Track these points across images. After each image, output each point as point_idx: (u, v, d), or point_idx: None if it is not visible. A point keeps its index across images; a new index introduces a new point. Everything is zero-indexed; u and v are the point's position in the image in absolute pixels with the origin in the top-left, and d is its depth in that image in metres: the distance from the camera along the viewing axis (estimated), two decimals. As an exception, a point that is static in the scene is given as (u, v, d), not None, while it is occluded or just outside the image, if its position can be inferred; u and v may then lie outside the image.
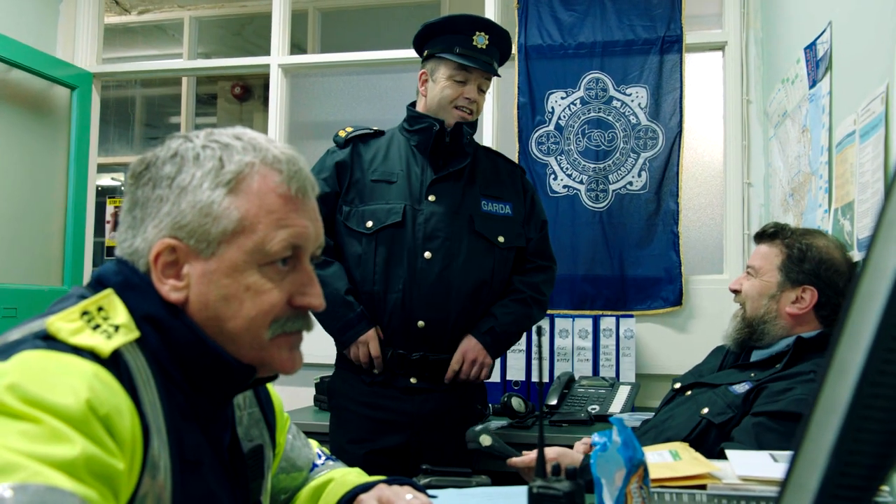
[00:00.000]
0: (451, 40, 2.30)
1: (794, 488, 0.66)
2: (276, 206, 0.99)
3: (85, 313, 0.92)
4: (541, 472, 1.04)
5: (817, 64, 2.23)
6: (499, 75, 2.37)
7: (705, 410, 1.85)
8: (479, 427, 1.64)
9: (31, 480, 0.73)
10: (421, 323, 2.22)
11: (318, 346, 3.50)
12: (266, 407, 1.20)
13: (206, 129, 1.04)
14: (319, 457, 1.36)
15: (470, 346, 2.26)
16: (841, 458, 0.63)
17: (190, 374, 0.98)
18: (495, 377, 3.07)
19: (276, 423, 1.23)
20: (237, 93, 6.25)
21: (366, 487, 1.22)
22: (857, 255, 1.89)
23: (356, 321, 2.23)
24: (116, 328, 0.92)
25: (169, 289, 0.98)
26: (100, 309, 0.94)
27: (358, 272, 2.26)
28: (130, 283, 0.98)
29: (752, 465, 1.33)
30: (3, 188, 3.58)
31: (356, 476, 1.29)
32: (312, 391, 3.09)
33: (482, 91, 2.34)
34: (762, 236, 2.02)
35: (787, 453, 1.40)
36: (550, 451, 1.69)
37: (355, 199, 2.30)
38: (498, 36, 2.32)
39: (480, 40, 2.29)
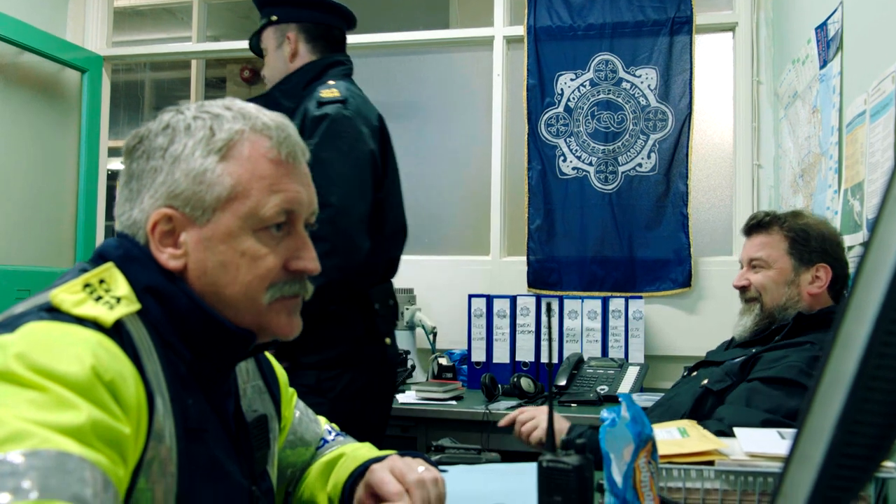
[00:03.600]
0: None
1: (800, 459, 0.67)
2: (268, 171, 1.02)
3: (87, 285, 0.95)
4: (550, 446, 1.05)
5: (828, 44, 2.22)
6: (268, 20, 2.38)
7: (705, 381, 1.88)
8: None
9: (41, 447, 0.75)
10: None
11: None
12: (270, 380, 1.23)
13: (198, 102, 1.06)
14: (329, 433, 1.38)
15: None
16: (846, 430, 0.64)
17: (191, 343, 1.00)
18: (504, 358, 3.08)
19: (280, 396, 1.25)
20: (246, 76, 6.25)
21: (378, 460, 1.24)
22: (866, 236, 1.89)
23: None
24: (118, 300, 0.95)
25: (167, 257, 1.00)
26: (101, 281, 0.96)
27: None
28: (131, 256, 1.00)
29: (759, 442, 1.34)
30: (15, 171, 3.60)
31: (367, 450, 1.31)
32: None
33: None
34: (758, 227, 2.01)
35: (795, 431, 1.41)
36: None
37: None
38: None
39: None
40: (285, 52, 2.34)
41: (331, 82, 2.24)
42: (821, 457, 0.65)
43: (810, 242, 1.93)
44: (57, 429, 0.78)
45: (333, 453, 1.32)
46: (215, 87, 6.26)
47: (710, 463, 1.30)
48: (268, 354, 1.29)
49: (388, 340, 2.25)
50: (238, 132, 1.02)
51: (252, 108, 1.06)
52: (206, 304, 1.00)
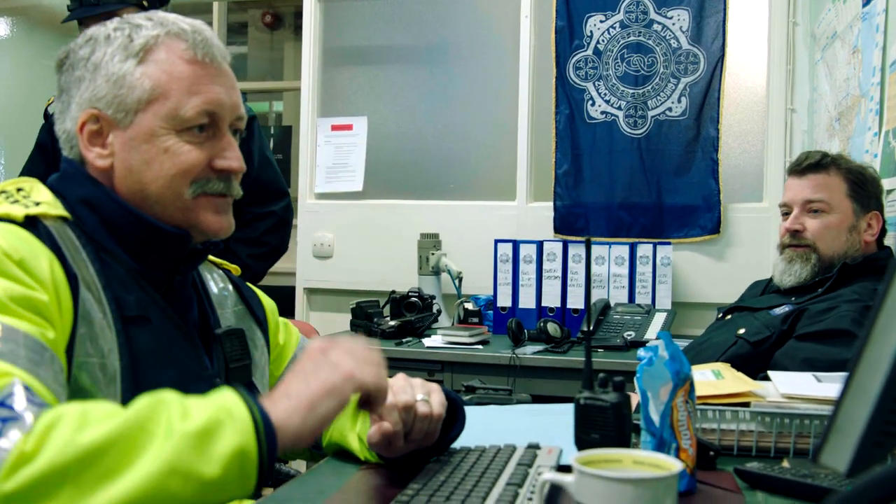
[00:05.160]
0: None
1: (855, 392, 0.65)
2: (186, 73, 1.06)
3: (2, 192, 1.01)
4: (587, 384, 1.05)
5: (872, -20, 2.14)
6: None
7: (742, 331, 1.83)
8: None
9: None
10: None
11: (355, 272, 3.53)
12: (254, 306, 1.26)
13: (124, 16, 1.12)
14: None
15: None
16: (906, 362, 0.62)
17: (130, 249, 1.05)
18: (530, 303, 3.08)
19: (267, 322, 1.28)
20: (268, 21, 6.17)
21: None
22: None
23: None
24: (37, 204, 1.00)
25: (95, 156, 1.06)
26: (19, 189, 1.02)
27: None
28: (66, 174, 1.09)
29: (795, 384, 1.33)
30: (36, 115, 3.59)
31: None
32: (348, 317, 3.13)
33: None
34: (816, 167, 1.87)
35: (831, 374, 1.40)
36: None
37: None
38: None
39: None
40: None
41: None
42: (878, 389, 0.63)
43: (867, 187, 1.85)
44: None
45: None
46: (237, 33, 6.20)
47: (746, 404, 1.29)
48: (254, 288, 1.32)
49: None
50: (154, 37, 1.07)
51: (173, 17, 1.10)
52: (135, 209, 1.05)
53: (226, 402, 0.80)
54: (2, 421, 0.73)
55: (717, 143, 3.17)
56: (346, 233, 3.58)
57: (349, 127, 3.65)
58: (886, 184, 1.96)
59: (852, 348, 1.72)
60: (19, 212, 0.97)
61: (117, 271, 1.03)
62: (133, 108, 1.05)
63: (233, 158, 1.10)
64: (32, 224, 0.97)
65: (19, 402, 0.75)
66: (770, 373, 1.44)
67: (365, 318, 3.01)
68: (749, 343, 1.78)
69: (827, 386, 1.31)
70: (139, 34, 1.06)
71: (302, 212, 3.63)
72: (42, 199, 1.01)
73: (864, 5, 2.21)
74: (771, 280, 2.02)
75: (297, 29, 4.49)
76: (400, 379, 1.13)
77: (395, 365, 2.64)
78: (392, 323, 2.92)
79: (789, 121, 3.15)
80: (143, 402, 0.79)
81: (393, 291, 3.13)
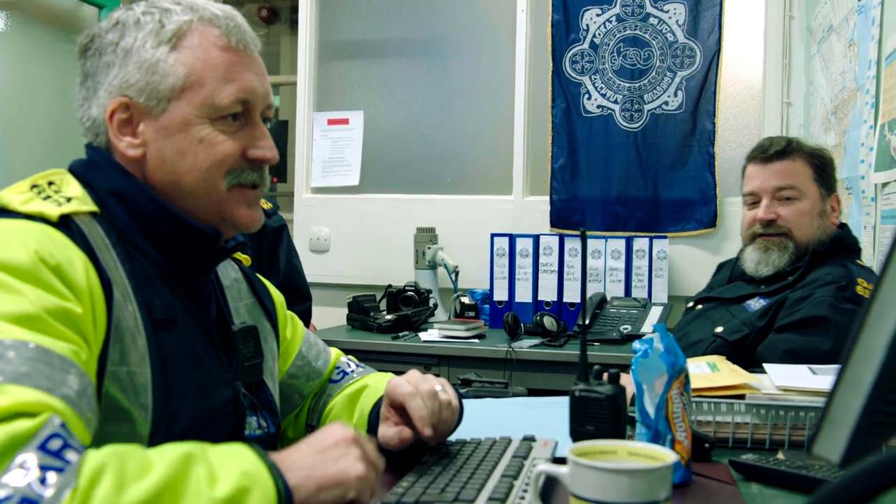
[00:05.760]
0: None
1: (849, 383, 0.65)
2: (220, 59, 1.03)
3: (34, 186, 0.98)
4: (583, 376, 1.05)
5: (868, -27, 2.14)
6: None
7: (719, 329, 1.83)
8: None
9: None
10: None
11: (351, 266, 3.53)
12: (265, 299, 1.25)
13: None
14: (349, 365, 1.38)
15: None
16: (899, 352, 0.62)
17: (158, 243, 1.03)
18: (527, 297, 3.08)
19: (277, 316, 1.27)
20: (264, 16, 6.15)
21: None
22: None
23: None
24: (68, 200, 0.97)
25: (126, 145, 1.03)
26: (50, 183, 0.99)
27: None
28: (94, 163, 1.05)
29: (790, 377, 1.33)
30: (32, 110, 3.58)
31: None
32: (345, 311, 3.13)
33: None
34: (783, 153, 1.87)
35: (826, 366, 1.40)
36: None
37: None
38: None
39: None
40: None
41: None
42: (871, 379, 0.63)
43: (827, 169, 1.87)
44: (8, 318, 0.80)
45: (356, 386, 1.32)
46: (233, 27, 6.18)
47: (741, 397, 1.29)
48: (264, 280, 1.31)
49: None
50: (186, 22, 1.03)
51: (202, 1, 1.07)
52: (168, 204, 1.03)
53: (249, 468, 0.79)
54: (46, 469, 0.71)
55: (714, 136, 3.17)
56: (342, 227, 3.58)
57: (345, 121, 3.65)
58: (882, 177, 1.96)
59: (831, 335, 1.70)
60: (53, 211, 0.94)
61: (145, 269, 1.00)
62: (166, 95, 1.01)
63: (266, 148, 1.07)
64: (65, 223, 0.94)
65: (58, 444, 0.73)
66: (766, 365, 1.44)
67: (361, 312, 3.02)
68: (728, 342, 1.78)
69: (822, 378, 1.31)
70: (170, 19, 1.03)
71: (298, 206, 3.63)
72: (73, 194, 0.98)
73: (860, -2, 2.21)
74: (737, 263, 2.01)
75: (293, 23, 4.48)
76: (415, 373, 1.14)
77: (392, 359, 2.68)
78: (388, 317, 2.92)
79: (785, 114, 3.15)
80: (173, 456, 0.77)
81: (389, 285, 3.13)
